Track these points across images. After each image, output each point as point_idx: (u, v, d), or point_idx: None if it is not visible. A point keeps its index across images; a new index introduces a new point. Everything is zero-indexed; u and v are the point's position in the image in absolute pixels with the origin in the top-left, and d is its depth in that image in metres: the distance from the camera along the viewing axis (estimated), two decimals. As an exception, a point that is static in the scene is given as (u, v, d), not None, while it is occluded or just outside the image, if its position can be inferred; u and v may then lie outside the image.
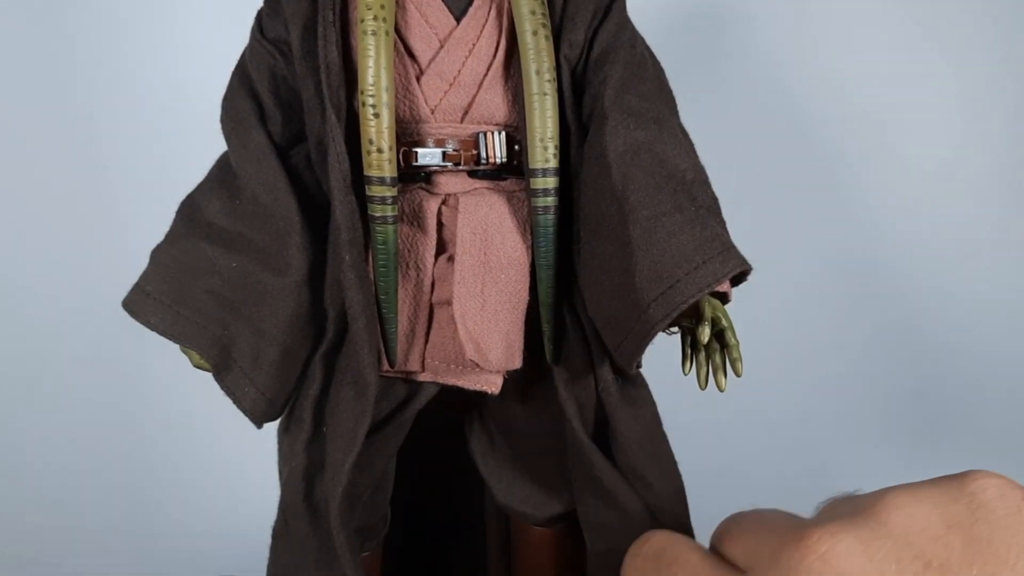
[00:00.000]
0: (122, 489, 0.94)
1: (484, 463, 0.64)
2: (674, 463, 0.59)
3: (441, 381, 0.55)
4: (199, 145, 0.57)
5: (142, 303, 0.52)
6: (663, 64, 0.58)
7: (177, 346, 0.54)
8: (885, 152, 0.92)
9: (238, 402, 0.53)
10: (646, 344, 0.48)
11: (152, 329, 0.52)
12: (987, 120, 0.90)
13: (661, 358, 0.58)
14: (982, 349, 0.93)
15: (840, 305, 0.94)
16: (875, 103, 0.90)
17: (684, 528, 0.58)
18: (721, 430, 0.90)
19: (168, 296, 0.52)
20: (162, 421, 0.95)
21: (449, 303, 0.53)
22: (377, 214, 0.50)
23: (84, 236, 0.94)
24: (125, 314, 0.54)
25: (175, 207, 0.56)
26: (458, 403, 0.63)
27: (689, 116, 0.60)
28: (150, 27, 0.91)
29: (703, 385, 0.51)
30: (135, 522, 0.92)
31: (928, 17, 0.89)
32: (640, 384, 0.58)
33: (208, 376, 0.54)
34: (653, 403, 0.58)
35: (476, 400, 0.62)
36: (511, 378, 0.57)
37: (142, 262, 0.55)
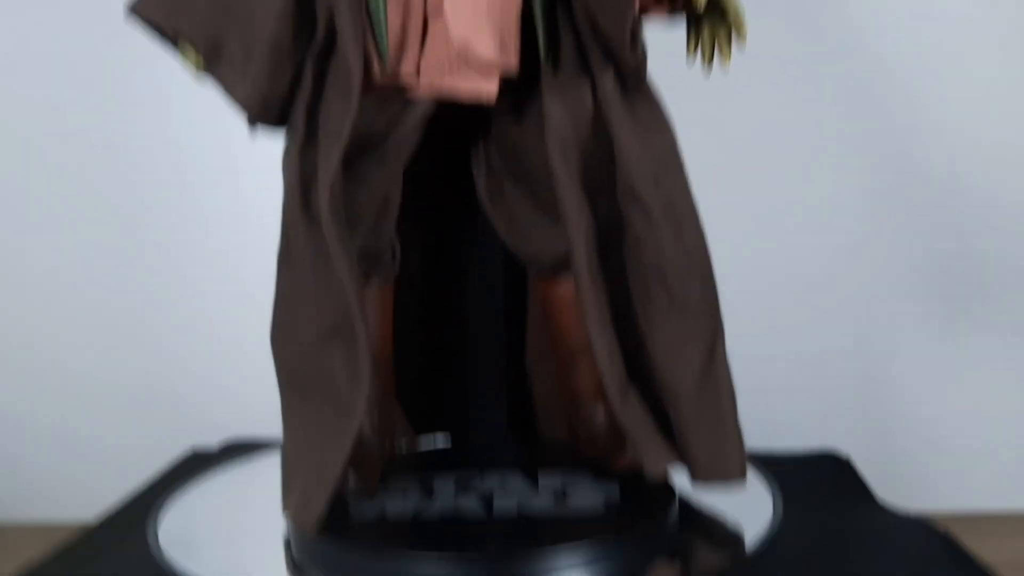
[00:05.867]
0: (131, 354, 0.95)
1: (492, 205, 0.64)
2: (693, 209, 0.56)
3: (436, 87, 0.54)
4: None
5: (144, 3, 0.54)
6: None
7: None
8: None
9: (231, 93, 0.54)
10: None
11: (149, 23, 0.54)
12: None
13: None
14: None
15: (874, 164, 0.90)
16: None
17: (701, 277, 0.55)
18: (748, 292, 0.83)
19: None
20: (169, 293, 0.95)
21: (442, 14, 0.52)
22: None
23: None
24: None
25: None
26: (463, 136, 0.62)
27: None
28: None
29: (708, 61, 0.52)
30: (144, 388, 0.95)
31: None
32: (654, 107, 0.56)
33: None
34: (670, 132, 0.56)
35: (480, 131, 0.62)
36: (510, 98, 0.55)
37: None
